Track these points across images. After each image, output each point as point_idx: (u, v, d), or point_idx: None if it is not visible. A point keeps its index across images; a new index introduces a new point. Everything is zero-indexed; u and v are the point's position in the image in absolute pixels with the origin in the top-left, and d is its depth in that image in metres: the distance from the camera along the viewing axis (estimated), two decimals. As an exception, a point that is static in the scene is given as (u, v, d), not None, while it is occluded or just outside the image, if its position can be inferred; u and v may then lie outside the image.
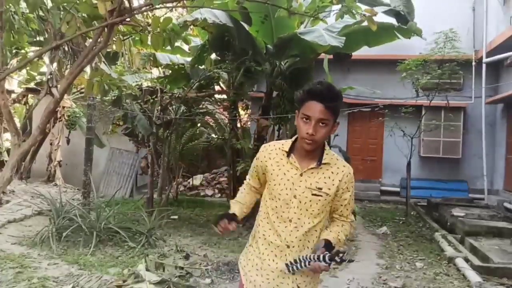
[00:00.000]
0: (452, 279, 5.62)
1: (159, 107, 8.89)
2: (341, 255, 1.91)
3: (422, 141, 12.33)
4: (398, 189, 12.87)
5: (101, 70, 3.74)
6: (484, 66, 11.45)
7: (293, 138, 2.17)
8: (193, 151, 12.03)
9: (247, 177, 2.38)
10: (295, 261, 2.01)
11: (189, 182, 13.76)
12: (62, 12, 3.17)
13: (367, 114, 12.11)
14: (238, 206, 2.28)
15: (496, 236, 7.57)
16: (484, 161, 11.93)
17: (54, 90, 3.77)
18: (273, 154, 2.17)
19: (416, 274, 5.82)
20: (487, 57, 11.21)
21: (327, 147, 2.16)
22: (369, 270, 5.93)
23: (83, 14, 3.65)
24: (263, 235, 2.18)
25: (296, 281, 2.12)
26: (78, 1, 3.31)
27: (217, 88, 9.92)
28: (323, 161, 2.11)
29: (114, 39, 3.34)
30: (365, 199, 12.56)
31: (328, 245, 2.02)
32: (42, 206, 8.04)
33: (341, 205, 2.18)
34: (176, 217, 8.89)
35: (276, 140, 7.07)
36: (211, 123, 12.00)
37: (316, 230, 2.14)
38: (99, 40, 3.02)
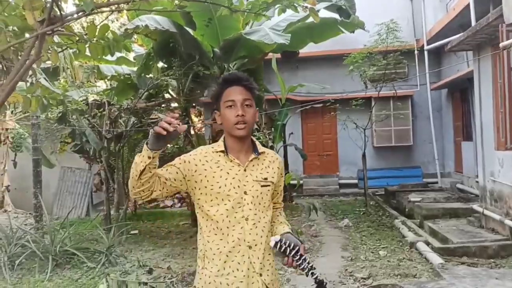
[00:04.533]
0: (415, 263, 5.73)
1: (108, 121, 8.60)
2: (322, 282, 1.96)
3: (375, 131, 12.60)
4: (356, 181, 13.09)
5: (38, 84, 3.53)
6: (426, 53, 11.86)
7: (221, 139, 2.12)
8: (148, 162, 11.71)
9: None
10: (287, 243, 1.91)
11: (147, 195, 13.39)
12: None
13: (320, 110, 12.25)
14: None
15: (453, 217, 7.83)
16: (434, 146, 12.36)
17: (-14, 110, 3.53)
18: (209, 157, 2.08)
19: (380, 262, 5.89)
20: (428, 44, 11.60)
21: (253, 137, 2.16)
22: (335, 264, 5.95)
23: (14, 28, 3.44)
24: (218, 249, 2.03)
25: (265, 281, 2.04)
26: (6, 14, 3.11)
27: (167, 96, 9.72)
28: (259, 151, 2.12)
29: (49, 51, 3.16)
30: (325, 194, 12.71)
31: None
32: (-9, 235, 7.58)
33: (277, 193, 2.23)
34: (136, 231, 8.65)
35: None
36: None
37: (269, 223, 2.11)
38: (31, 53, 2.85)
